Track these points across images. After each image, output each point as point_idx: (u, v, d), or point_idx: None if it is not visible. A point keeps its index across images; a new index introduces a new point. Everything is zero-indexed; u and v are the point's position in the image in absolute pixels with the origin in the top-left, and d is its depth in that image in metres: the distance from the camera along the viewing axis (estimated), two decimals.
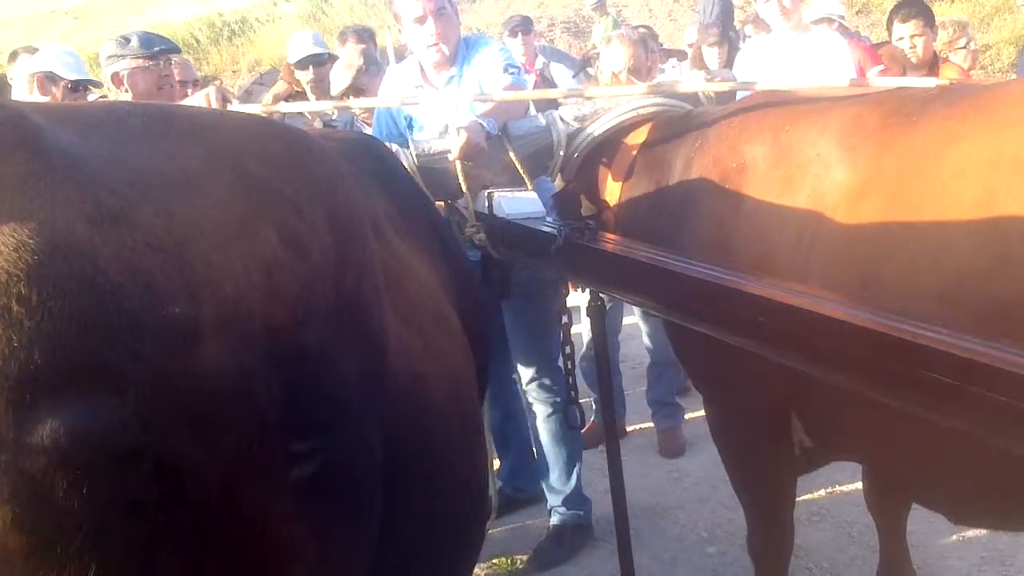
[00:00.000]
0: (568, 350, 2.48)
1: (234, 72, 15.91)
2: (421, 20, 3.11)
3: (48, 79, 4.18)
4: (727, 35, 8.76)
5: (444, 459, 1.43)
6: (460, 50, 3.23)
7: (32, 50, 5.09)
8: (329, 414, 1.10)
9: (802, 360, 1.57)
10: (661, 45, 7.18)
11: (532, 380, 3.42)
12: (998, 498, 1.78)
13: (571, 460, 3.52)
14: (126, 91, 3.40)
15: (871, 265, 1.76)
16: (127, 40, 3.46)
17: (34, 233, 0.84)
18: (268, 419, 1.00)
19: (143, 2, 28.94)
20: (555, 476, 3.52)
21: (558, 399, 3.41)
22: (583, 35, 14.05)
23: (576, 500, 3.55)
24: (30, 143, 0.91)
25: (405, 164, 2.58)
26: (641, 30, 4.83)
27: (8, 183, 0.87)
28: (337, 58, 4.86)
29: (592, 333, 2.32)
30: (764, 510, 2.48)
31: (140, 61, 3.39)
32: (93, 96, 4.24)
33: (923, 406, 1.35)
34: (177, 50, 3.95)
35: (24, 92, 4.59)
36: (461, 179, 2.62)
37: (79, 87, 4.28)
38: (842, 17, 6.28)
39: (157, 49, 3.48)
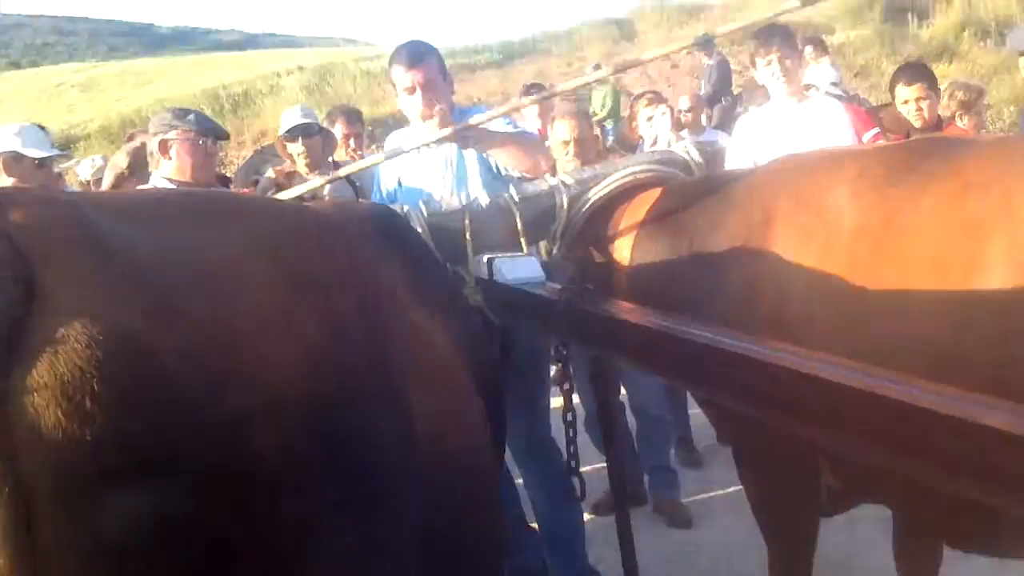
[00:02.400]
0: (570, 417, 2.43)
1: (239, 144, 16.11)
2: (410, 91, 3.18)
3: (13, 159, 4.06)
4: (717, 99, 8.85)
5: (467, 529, 1.47)
6: (455, 117, 3.22)
7: None
8: (371, 488, 1.13)
9: (816, 430, 1.55)
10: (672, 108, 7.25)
11: (525, 452, 3.33)
12: None
13: (573, 535, 3.43)
14: (169, 159, 3.47)
15: (856, 307, 1.86)
16: (186, 113, 3.58)
17: (101, 331, 0.89)
18: (315, 497, 1.05)
19: (148, 75, 29.54)
20: (558, 553, 3.42)
21: (553, 471, 3.33)
22: (582, 101, 14.23)
23: None
24: (91, 241, 0.96)
25: (415, 225, 2.59)
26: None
27: (75, 282, 0.91)
28: (329, 132, 4.91)
29: (598, 400, 2.28)
30: (787, 545, 2.49)
31: (192, 135, 3.47)
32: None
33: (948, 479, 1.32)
34: (226, 136, 4.09)
35: None
36: (467, 238, 2.64)
37: (46, 163, 4.23)
38: (834, 84, 6.36)
39: (211, 129, 3.62)
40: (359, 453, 1.12)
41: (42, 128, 4.58)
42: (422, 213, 2.66)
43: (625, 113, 11.33)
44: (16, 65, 41.85)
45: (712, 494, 4.41)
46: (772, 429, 2.07)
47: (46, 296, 0.89)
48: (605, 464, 4.12)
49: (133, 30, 56.79)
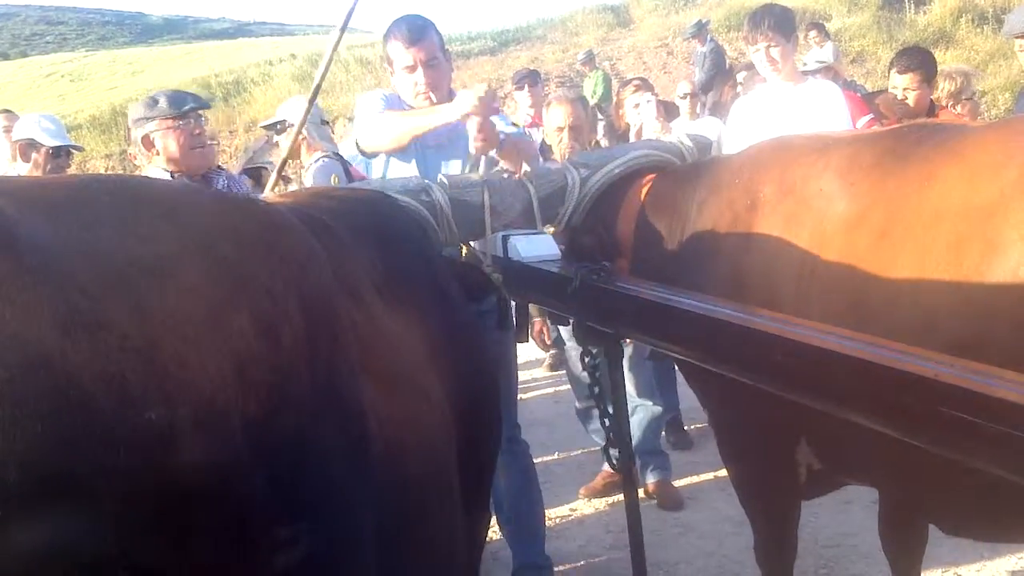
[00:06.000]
0: (597, 390, 2.43)
1: (231, 132, 16.08)
2: (411, 69, 3.08)
3: (29, 146, 4.26)
4: (711, 86, 8.85)
5: (421, 532, 1.41)
6: (448, 97, 3.18)
7: (6, 113, 5.12)
8: (314, 497, 1.08)
9: (817, 398, 1.59)
10: (657, 96, 7.26)
11: None
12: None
13: (538, 526, 3.47)
14: (157, 154, 3.30)
15: (861, 295, 1.86)
16: (155, 101, 3.34)
17: (6, 347, 0.81)
18: (249, 513, 0.98)
19: (139, 64, 29.41)
20: (522, 543, 3.45)
21: (520, 462, 3.36)
22: (577, 89, 14.24)
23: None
24: (5, 242, 0.87)
25: (436, 198, 2.56)
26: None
27: None
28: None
29: (610, 378, 2.29)
30: (770, 527, 2.55)
31: (170, 122, 3.28)
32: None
33: (944, 444, 1.35)
34: (207, 105, 3.82)
35: (7, 158, 4.63)
36: (486, 215, 2.62)
37: (61, 152, 4.35)
38: (820, 62, 6.35)
39: (187, 108, 3.37)
40: (297, 461, 1.06)
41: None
42: (444, 185, 2.64)
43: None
44: (5, 56, 41.57)
45: (702, 476, 4.47)
46: (754, 414, 2.12)
47: None
48: (595, 449, 4.17)
49: (123, 19, 56.46)
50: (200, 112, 3.46)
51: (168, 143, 3.28)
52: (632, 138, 4.75)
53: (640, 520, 2.48)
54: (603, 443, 4.03)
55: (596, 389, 2.39)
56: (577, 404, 4.44)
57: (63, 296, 0.87)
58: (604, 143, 6.13)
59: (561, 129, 3.92)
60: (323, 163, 4.62)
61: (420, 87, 3.07)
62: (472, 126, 2.76)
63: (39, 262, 0.88)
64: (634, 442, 4.35)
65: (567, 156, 3.50)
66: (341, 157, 4.87)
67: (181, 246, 1.04)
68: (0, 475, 0.78)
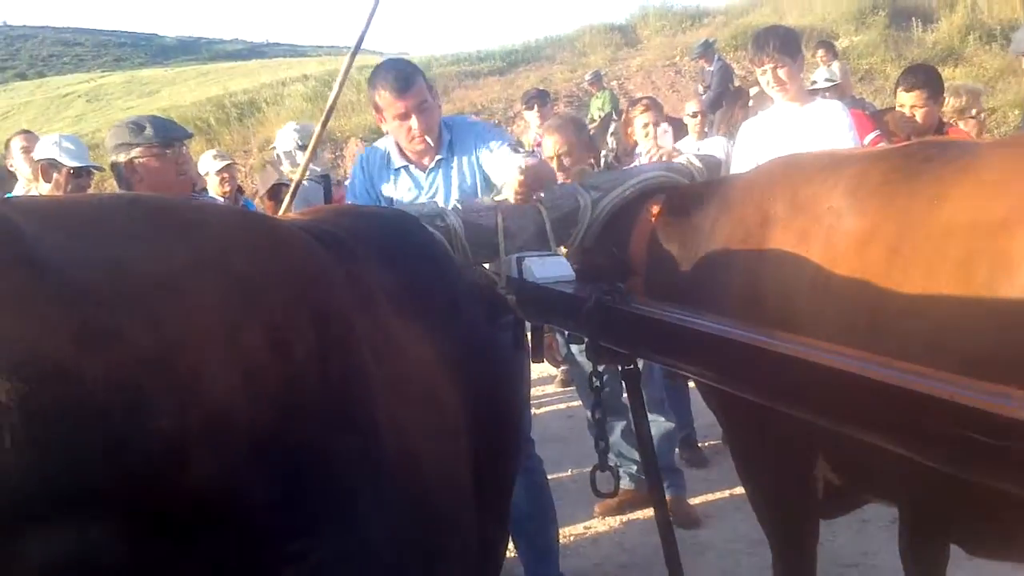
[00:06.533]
0: (599, 414, 2.46)
1: (245, 152, 16.17)
2: (404, 117, 3.11)
3: (50, 166, 4.29)
4: (719, 104, 8.91)
5: (435, 545, 1.42)
6: (442, 133, 3.23)
7: (25, 134, 5.18)
8: (324, 509, 1.09)
9: (833, 419, 1.58)
10: (666, 116, 7.38)
11: None
12: None
13: (550, 548, 3.47)
14: (140, 180, 3.22)
15: (874, 310, 1.89)
16: (140, 127, 3.25)
17: (24, 360, 0.83)
18: (259, 523, 1.00)
19: (154, 85, 29.68)
20: (534, 564, 3.45)
21: (535, 480, 3.37)
22: (586, 108, 14.29)
23: None
24: (22, 258, 0.89)
25: (451, 222, 2.61)
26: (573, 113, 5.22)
27: (0, 304, 0.85)
28: None
29: (630, 400, 2.31)
30: (788, 546, 2.53)
31: (156, 150, 3.20)
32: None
33: (960, 465, 1.34)
34: (189, 135, 3.79)
35: (28, 176, 4.70)
36: (500, 238, 2.66)
37: (82, 172, 4.37)
38: (829, 81, 6.39)
39: (174, 136, 3.32)
40: (307, 472, 1.07)
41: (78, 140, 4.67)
42: (458, 210, 2.69)
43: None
44: (22, 76, 42.00)
45: (718, 494, 4.46)
46: (771, 431, 2.12)
47: None
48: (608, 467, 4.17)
49: (138, 40, 56.89)
50: (184, 142, 3.44)
51: (152, 171, 3.21)
52: (643, 160, 4.82)
53: (675, 543, 2.46)
54: (615, 462, 4.08)
55: (596, 414, 2.41)
56: (589, 416, 4.45)
57: (80, 310, 0.89)
58: (609, 144, 6.19)
59: (552, 159, 3.97)
60: (304, 185, 4.71)
61: (415, 132, 3.12)
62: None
63: (57, 278, 0.90)
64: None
65: (567, 180, 3.53)
66: (327, 178, 4.96)
67: (195, 261, 1.07)
68: (16, 485, 0.80)
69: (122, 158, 3.20)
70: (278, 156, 5.42)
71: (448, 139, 3.24)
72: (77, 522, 0.84)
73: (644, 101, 5.41)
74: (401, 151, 3.27)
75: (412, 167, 3.26)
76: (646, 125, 5.02)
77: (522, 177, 2.71)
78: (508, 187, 2.82)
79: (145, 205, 1.19)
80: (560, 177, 3.70)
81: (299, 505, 1.05)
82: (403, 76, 3.10)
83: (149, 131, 3.22)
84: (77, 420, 0.84)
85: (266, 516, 1.01)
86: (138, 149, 3.19)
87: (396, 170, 3.27)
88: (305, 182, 4.84)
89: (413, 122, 3.11)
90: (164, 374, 0.92)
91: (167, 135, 3.26)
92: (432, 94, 3.22)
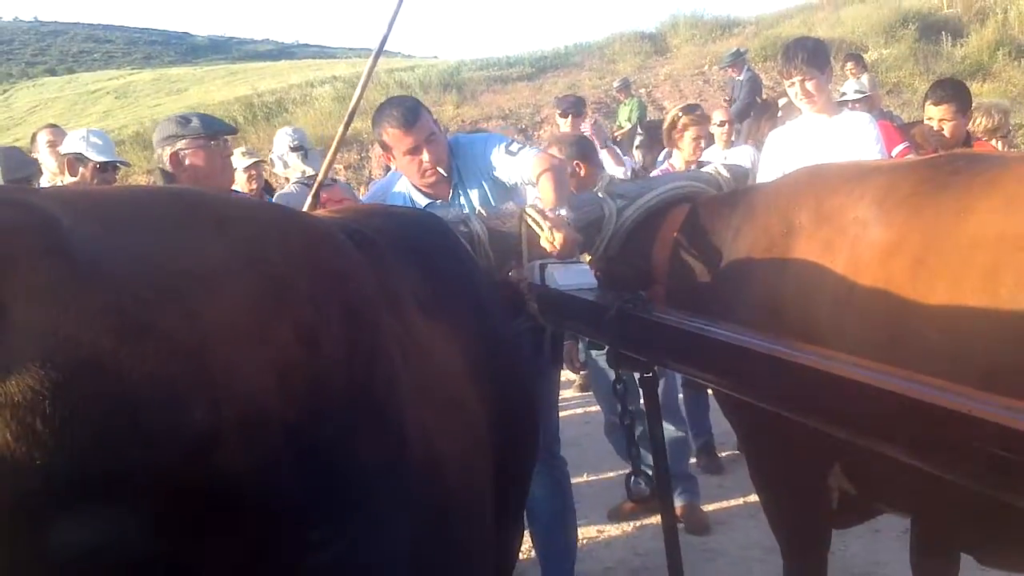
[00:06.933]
0: (628, 420, 2.48)
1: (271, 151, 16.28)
2: (415, 151, 3.10)
3: (77, 160, 4.34)
4: (747, 114, 8.92)
5: (456, 543, 1.43)
6: (450, 161, 3.23)
7: (52, 128, 5.25)
8: (349, 502, 1.10)
9: (850, 431, 1.58)
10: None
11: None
12: None
13: (567, 551, 3.48)
14: (184, 171, 3.31)
15: (897, 321, 1.90)
16: (187, 120, 3.36)
17: (60, 349, 0.84)
18: (286, 515, 1.01)
19: (183, 83, 29.95)
20: (550, 568, 3.46)
21: (559, 484, 3.38)
22: (614, 115, 14.29)
23: None
24: (56, 249, 0.90)
25: (475, 228, 2.63)
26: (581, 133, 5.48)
27: (37, 295, 0.85)
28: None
29: (646, 406, 2.32)
30: (800, 555, 2.54)
31: (201, 141, 3.28)
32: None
33: (978, 480, 1.34)
34: (234, 131, 3.87)
35: (53, 170, 4.77)
36: (523, 245, 2.68)
37: (108, 167, 4.43)
38: (858, 92, 6.38)
39: (219, 129, 3.41)
40: (333, 466, 1.08)
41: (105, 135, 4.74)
42: (482, 216, 2.71)
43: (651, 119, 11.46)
44: (52, 72, 42.52)
45: (732, 501, 4.48)
46: (786, 439, 2.12)
47: (3, 310, 0.83)
48: (623, 472, 4.19)
49: (169, 39, 57.50)
50: (227, 138, 3.52)
51: (197, 162, 3.30)
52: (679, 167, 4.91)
53: (679, 548, 2.47)
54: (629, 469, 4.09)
55: (625, 420, 2.42)
56: (606, 422, 4.47)
57: (116, 302, 0.90)
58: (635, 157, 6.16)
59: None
60: (291, 190, 5.00)
61: (427, 165, 3.11)
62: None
63: (94, 269, 0.91)
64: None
65: (619, 183, 3.51)
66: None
67: (230, 256, 1.08)
68: (51, 473, 0.81)
69: (168, 150, 3.29)
70: (272, 159, 5.56)
71: (454, 165, 3.23)
72: (110, 511, 0.86)
73: (697, 113, 5.43)
74: (418, 189, 3.25)
75: (437, 203, 3.22)
76: (696, 139, 5.09)
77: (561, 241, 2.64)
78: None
79: (182, 199, 1.21)
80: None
81: (325, 498, 1.06)
82: (409, 110, 3.10)
83: (196, 123, 3.32)
84: (112, 411, 0.85)
85: (294, 507, 1.02)
86: (184, 141, 3.27)
87: (427, 204, 3.22)
88: (293, 187, 5.01)
89: (424, 155, 3.10)
90: (199, 368, 0.93)
91: (213, 128, 3.35)
92: (437, 126, 3.23)
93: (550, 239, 2.61)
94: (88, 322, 0.86)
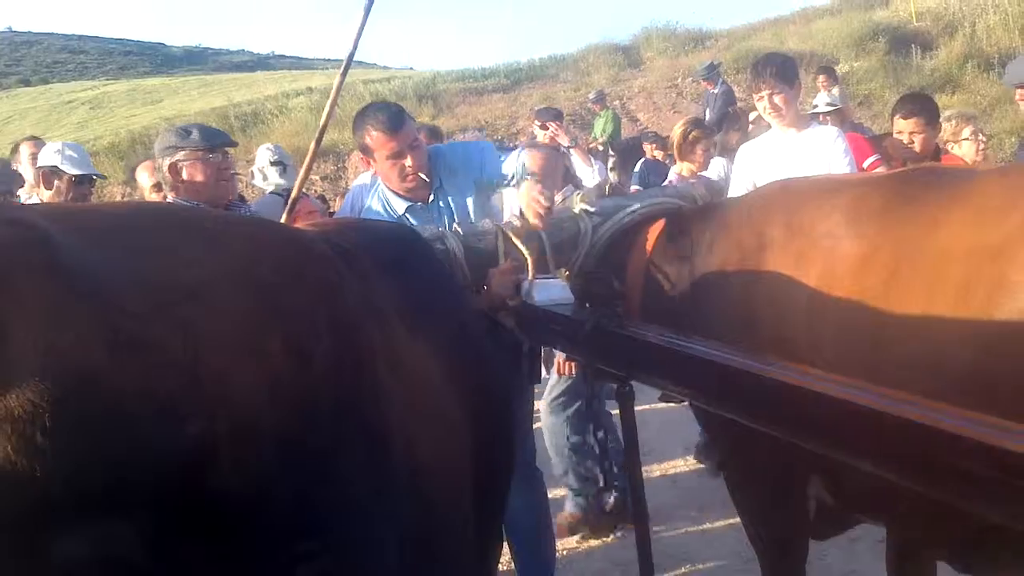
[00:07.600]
0: (600, 435, 2.50)
1: (248, 162, 16.17)
2: (398, 156, 3.11)
3: (52, 174, 4.32)
4: (721, 126, 9.05)
5: (440, 555, 1.44)
6: (431, 156, 3.24)
7: (33, 140, 5.23)
8: (336, 514, 1.11)
9: (824, 445, 1.59)
10: (667, 138, 7.56)
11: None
12: None
13: (548, 567, 3.48)
14: (182, 182, 3.33)
15: (871, 333, 1.91)
16: (187, 132, 3.39)
17: (59, 365, 0.85)
18: (276, 525, 1.03)
19: (158, 94, 29.74)
20: (532, 565, 3.45)
21: (537, 500, 3.39)
22: (589, 127, 14.37)
23: None
24: (52, 265, 0.91)
25: (451, 246, 2.65)
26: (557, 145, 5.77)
27: (33, 311, 0.87)
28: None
29: (622, 420, 2.34)
30: (778, 564, 2.55)
31: (200, 154, 3.32)
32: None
33: (959, 496, 1.35)
34: (235, 144, 3.88)
35: (29, 183, 4.73)
36: (500, 258, 2.72)
37: (84, 180, 4.41)
38: (829, 104, 6.50)
39: (219, 142, 3.44)
40: (322, 477, 1.09)
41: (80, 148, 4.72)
42: (458, 234, 2.73)
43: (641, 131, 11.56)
44: (26, 82, 42.19)
45: (709, 512, 4.46)
46: (764, 450, 2.12)
47: (2, 326, 0.85)
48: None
49: (143, 49, 57.10)
50: (227, 150, 3.54)
51: (196, 173, 3.32)
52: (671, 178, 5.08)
53: (651, 561, 2.47)
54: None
55: (599, 435, 2.44)
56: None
57: (110, 318, 0.91)
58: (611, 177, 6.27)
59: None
60: (267, 200, 5.01)
61: (409, 170, 3.11)
62: None
63: (88, 286, 0.92)
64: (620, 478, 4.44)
65: (595, 200, 3.56)
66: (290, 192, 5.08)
67: (222, 271, 1.10)
68: (47, 486, 0.83)
69: (167, 160, 3.32)
70: (252, 172, 5.59)
71: (436, 170, 3.24)
72: (106, 524, 0.87)
73: (704, 128, 5.70)
74: (396, 194, 3.25)
75: (417, 206, 3.22)
76: (705, 151, 5.33)
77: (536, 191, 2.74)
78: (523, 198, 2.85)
79: (175, 214, 1.25)
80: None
81: (314, 509, 1.08)
82: (394, 115, 3.12)
83: (195, 135, 3.35)
84: (108, 425, 0.87)
85: (284, 518, 1.04)
86: (183, 152, 3.31)
87: (400, 217, 3.22)
88: (268, 198, 5.08)
89: (407, 160, 3.10)
90: (192, 381, 0.95)
91: (212, 141, 3.39)
92: (418, 134, 3.25)
93: (533, 205, 2.66)
94: (83, 339, 0.88)
